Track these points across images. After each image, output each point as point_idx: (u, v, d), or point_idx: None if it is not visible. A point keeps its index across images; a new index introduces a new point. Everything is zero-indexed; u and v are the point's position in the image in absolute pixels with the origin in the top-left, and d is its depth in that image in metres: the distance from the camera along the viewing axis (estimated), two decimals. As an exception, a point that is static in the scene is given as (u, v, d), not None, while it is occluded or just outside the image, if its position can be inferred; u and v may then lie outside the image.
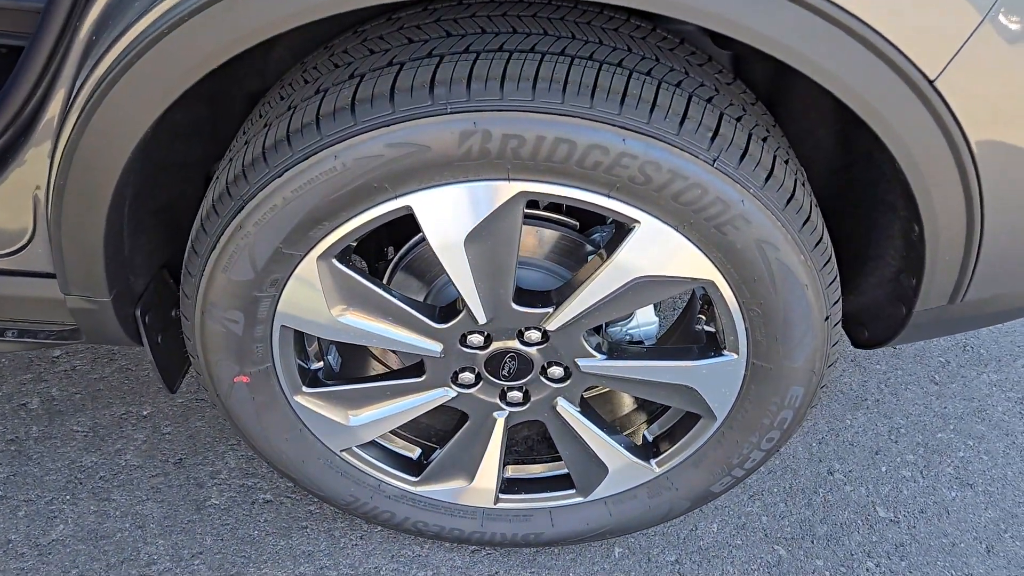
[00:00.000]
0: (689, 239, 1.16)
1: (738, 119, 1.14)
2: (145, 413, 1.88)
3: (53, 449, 1.79)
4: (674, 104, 1.09)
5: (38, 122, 1.19)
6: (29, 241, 1.29)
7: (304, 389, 1.40)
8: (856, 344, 1.49)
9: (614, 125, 1.06)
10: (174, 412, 1.88)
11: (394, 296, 1.28)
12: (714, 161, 1.09)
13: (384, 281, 1.42)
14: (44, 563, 1.61)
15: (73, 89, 1.13)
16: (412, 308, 1.29)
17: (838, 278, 1.25)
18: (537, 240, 1.35)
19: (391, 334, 1.31)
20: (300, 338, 1.38)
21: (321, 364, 1.44)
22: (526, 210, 1.18)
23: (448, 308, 1.33)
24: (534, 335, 1.32)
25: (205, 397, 1.90)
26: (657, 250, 1.18)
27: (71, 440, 1.81)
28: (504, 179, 1.12)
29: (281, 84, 1.24)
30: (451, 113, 1.06)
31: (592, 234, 1.38)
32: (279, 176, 1.12)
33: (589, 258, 1.35)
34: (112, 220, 1.20)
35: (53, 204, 1.19)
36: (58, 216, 1.19)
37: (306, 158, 1.11)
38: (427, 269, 1.39)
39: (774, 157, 1.15)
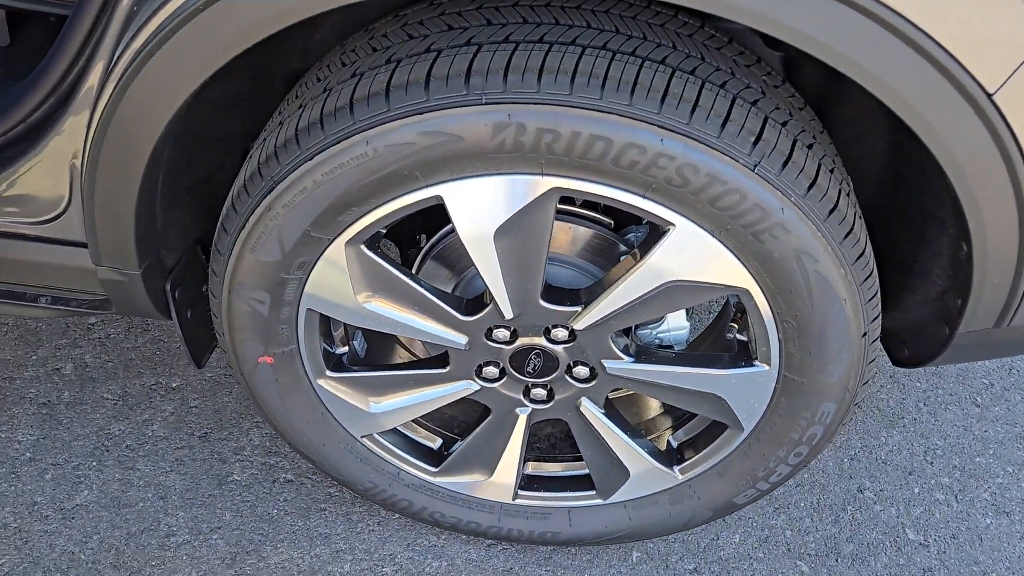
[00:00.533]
0: (725, 245, 1.13)
1: (783, 124, 1.10)
2: (174, 385, 1.89)
3: (83, 415, 1.81)
4: (717, 105, 1.05)
5: (78, 91, 1.19)
6: (65, 210, 1.30)
7: (328, 373, 1.39)
8: (895, 362, 1.44)
9: (653, 124, 1.03)
10: (203, 386, 1.89)
11: (421, 286, 1.26)
12: (755, 167, 1.06)
13: (414, 269, 1.41)
14: (67, 527, 1.63)
15: (112, 60, 1.13)
16: (439, 299, 1.27)
17: (879, 293, 1.21)
18: (569, 237, 1.33)
19: (416, 324, 1.29)
20: (326, 322, 1.37)
21: (346, 349, 1.44)
22: (560, 206, 1.16)
23: (476, 301, 1.31)
24: (561, 333, 1.30)
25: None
26: (691, 255, 1.14)
27: (101, 407, 1.83)
28: (537, 174, 1.10)
29: (319, 65, 1.22)
30: (486, 104, 1.04)
31: (627, 234, 1.35)
32: (310, 159, 1.11)
33: (622, 258, 1.32)
34: (145, 193, 1.20)
35: (87, 174, 1.19)
36: (91, 186, 1.20)
37: (338, 142, 1.09)
38: (457, 260, 1.38)
39: (819, 165, 1.11)
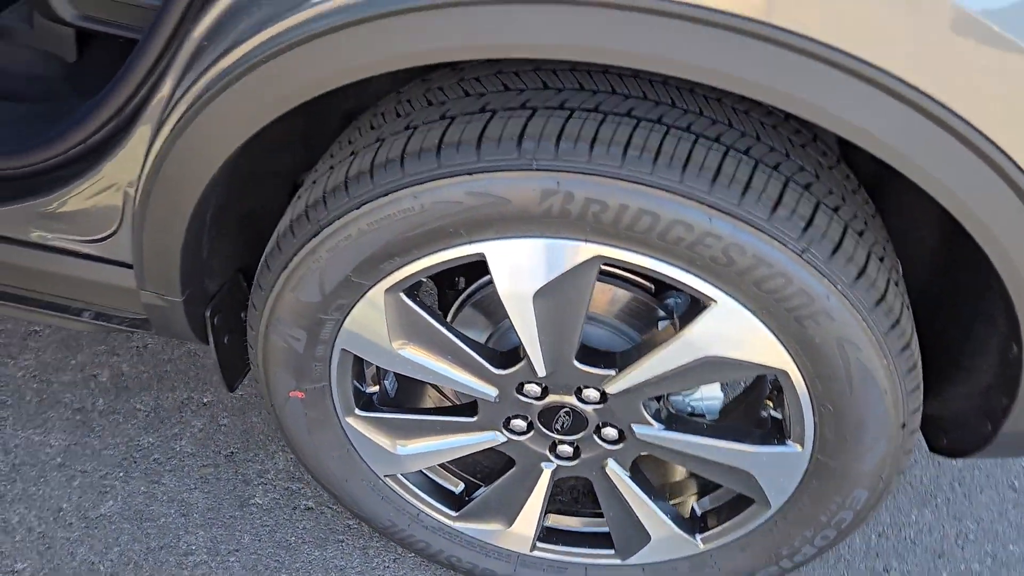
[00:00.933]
0: (766, 325, 1.11)
1: (835, 209, 1.08)
2: (206, 401, 1.91)
3: (115, 424, 1.84)
4: (769, 188, 1.04)
5: (138, 121, 1.21)
6: (114, 232, 1.33)
7: (357, 411, 1.40)
8: (932, 449, 1.40)
9: (702, 203, 1.02)
10: (233, 404, 1.91)
11: (457, 337, 1.26)
12: (803, 252, 1.04)
13: (451, 313, 1.41)
14: (89, 536, 1.65)
15: (174, 94, 1.15)
16: (473, 351, 1.27)
17: (921, 386, 1.18)
18: (608, 298, 1.32)
19: (449, 373, 1.29)
20: (359, 360, 1.37)
21: (377, 388, 1.44)
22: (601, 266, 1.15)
23: (509, 354, 1.31)
24: (593, 394, 1.29)
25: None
26: (731, 332, 1.13)
27: (132, 418, 1.86)
28: (581, 240, 1.09)
29: (374, 111, 1.23)
30: (536, 170, 1.04)
31: (666, 299, 1.33)
32: (357, 208, 1.12)
33: (660, 323, 1.31)
34: (193, 227, 1.22)
35: (139, 205, 1.21)
36: (142, 217, 1.22)
37: (386, 194, 1.10)
38: (495, 310, 1.37)
39: (869, 253, 1.09)
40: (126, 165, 1.24)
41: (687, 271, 1.09)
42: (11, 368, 1.92)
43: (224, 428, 1.86)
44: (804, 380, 1.15)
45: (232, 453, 1.82)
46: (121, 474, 1.76)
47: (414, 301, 1.23)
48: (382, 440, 1.42)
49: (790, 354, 1.13)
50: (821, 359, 1.11)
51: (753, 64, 0.92)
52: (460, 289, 1.46)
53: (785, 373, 1.16)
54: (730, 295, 1.10)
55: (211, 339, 1.42)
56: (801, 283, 1.05)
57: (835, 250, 1.05)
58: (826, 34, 0.91)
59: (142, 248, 1.26)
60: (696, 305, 1.16)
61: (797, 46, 0.91)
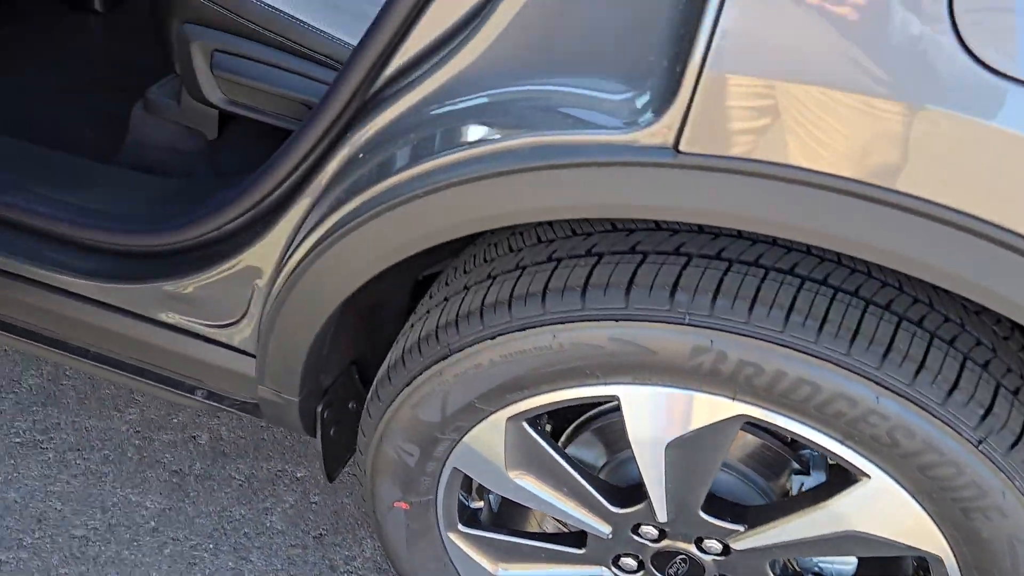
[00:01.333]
0: (925, 510, 1.01)
1: (1015, 393, 0.98)
2: (299, 475, 1.89)
3: (209, 492, 1.83)
4: (945, 369, 0.95)
5: (277, 218, 1.20)
6: (238, 320, 1.32)
7: (460, 527, 1.34)
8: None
9: (870, 379, 0.94)
10: (326, 482, 1.88)
11: (578, 473, 1.20)
12: (979, 443, 0.94)
13: (567, 435, 1.35)
14: (175, 610, 1.64)
15: (319, 203, 1.13)
16: (593, 488, 1.20)
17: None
18: (739, 443, 1.23)
19: (563, 506, 1.23)
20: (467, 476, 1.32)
21: (482, 504, 1.38)
22: None
23: (628, 492, 1.24)
24: (715, 546, 1.20)
25: (356, 474, 1.89)
26: (883, 510, 1.03)
27: (227, 486, 1.85)
28: (728, 398, 1.02)
29: (512, 231, 1.19)
30: (688, 324, 0.97)
31: (801, 450, 1.24)
32: (491, 339, 1.08)
33: (793, 476, 1.22)
34: (320, 335, 1.20)
35: (270, 310, 1.20)
36: (272, 323, 1.20)
37: (523, 329, 1.05)
38: (615, 440, 1.30)
39: (1052, 446, 0.98)
40: (259, 259, 1.23)
41: (842, 443, 1.00)
42: (116, 422, 1.94)
43: (315, 507, 1.83)
44: (960, 570, 1.05)
45: (321, 535, 1.79)
46: (211, 546, 1.74)
47: (537, 431, 1.18)
48: (482, 559, 1.36)
49: (948, 542, 1.03)
50: (986, 555, 1.01)
51: (940, 250, 0.85)
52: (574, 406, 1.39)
53: (939, 559, 1.05)
54: (888, 473, 1.00)
55: (319, 433, 1.40)
56: (974, 475, 0.95)
57: (1015, 443, 0.95)
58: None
59: (267, 350, 1.24)
60: (845, 476, 1.06)
61: (988, 234, 0.83)
